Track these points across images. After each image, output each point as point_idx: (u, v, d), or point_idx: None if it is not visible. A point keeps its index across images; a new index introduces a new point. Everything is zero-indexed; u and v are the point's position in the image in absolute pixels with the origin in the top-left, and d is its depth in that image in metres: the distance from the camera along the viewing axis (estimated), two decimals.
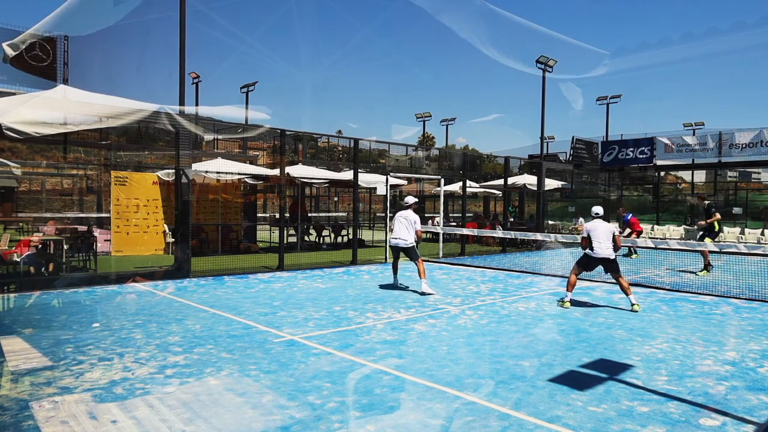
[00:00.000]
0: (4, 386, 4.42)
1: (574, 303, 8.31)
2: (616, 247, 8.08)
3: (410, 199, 9.76)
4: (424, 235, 18.82)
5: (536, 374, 4.85)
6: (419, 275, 9.12)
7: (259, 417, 3.84)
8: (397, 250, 9.53)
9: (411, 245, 9.28)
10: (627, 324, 6.96)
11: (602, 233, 8.02)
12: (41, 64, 13.37)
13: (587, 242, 8.12)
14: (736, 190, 32.21)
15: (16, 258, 9.48)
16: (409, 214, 9.43)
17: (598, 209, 8.30)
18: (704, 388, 4.56)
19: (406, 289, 9.53)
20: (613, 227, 8.16)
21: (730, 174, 35.31)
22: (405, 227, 9.33)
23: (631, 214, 15.57)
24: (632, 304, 7.84)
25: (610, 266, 8.02)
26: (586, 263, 8.17)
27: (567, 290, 8.23)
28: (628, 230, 15.23)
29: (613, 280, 8.17)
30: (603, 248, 7.96)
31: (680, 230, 23.39)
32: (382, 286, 9.86)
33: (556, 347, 5.80)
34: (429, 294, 8.96)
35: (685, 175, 37.70)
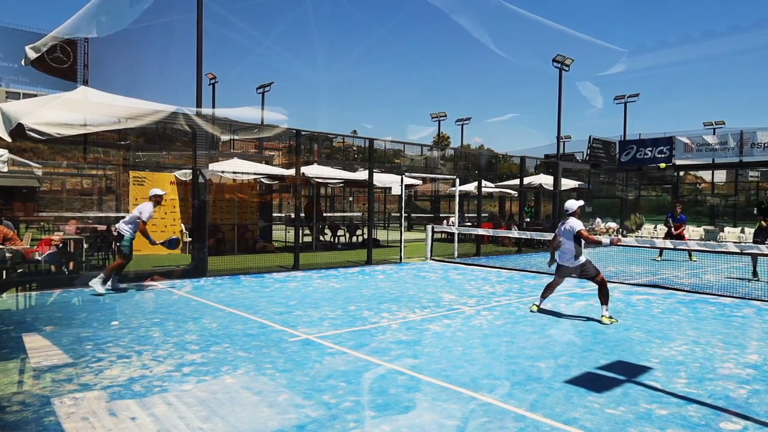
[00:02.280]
0: (26, 382, 4.51)
1: (591, 305, 8.21)
2: (585, 244, 7.11)
3: (152, 191, 9.07)
4: (439, 235, 18.74)
5: (553, 375, 4.81)
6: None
7: (275, 415, 3.86)
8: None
9: (119, 235, 8.72)
10: (645, 326, 6.87)
11: (564, 235, 7.10)
12: (62, 66, 13.61)
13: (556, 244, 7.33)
14: (758, 190, 31.61)
15: (37, 257, 9.66)
16: (143, 204, 8.85)
17: (569, 204, 7.24)
18: (725, 391, 4.49)
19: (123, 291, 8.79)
20: (576, 224, 7.03)
21: (751, 174, 34.59)
22: (128, 216, 8.87)
23: (683, 218, 15.08)
24: (602, 316, 6.96)
25: (584, 272, 7.07)
26: (559, 271, 7.37)
27: (541, 296, 7.52)
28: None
29: (635, 281, 8.00)
30: (563, 255, 7.16)
31: (700, 231, 23.01)
32: (392, 287, 9.86)
33: (573, 348, 5.75)
34: (98, 292, 8.28)
35: (705, 174, 37.10)
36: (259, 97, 33.21)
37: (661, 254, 15.53)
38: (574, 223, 7.05)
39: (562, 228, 7.18)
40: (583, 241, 7.08)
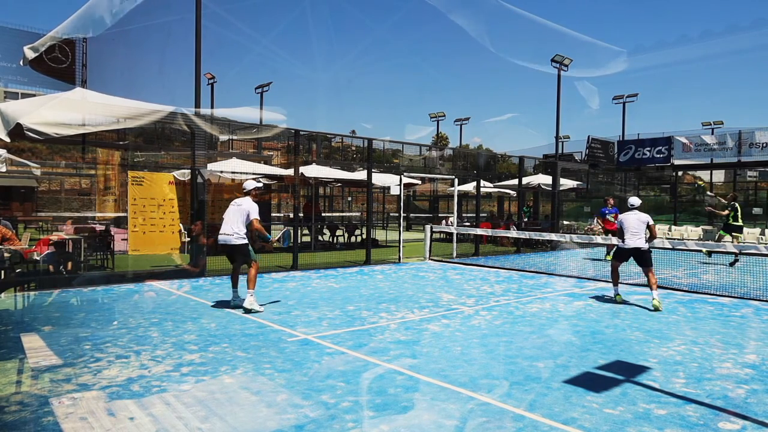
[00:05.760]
0: (25, 382, 4.50)
1: (590, 305, 8.23)
2: (651, 237, 8.23)
3: (249, 184, 7.66)
4: (437, 235, 18.65)
5: (551, 375, 4.81)
6: (247, 283, 7.27)
7: (274, 415, 3.86)
8: (227, 251, 7.46)
9: (242, 242, 7.31)
10: (644, 326, 6.88)
11: (633, 224, 8.13)
12: (60, 65, 13.59)
13: (620, 234, 8.34)
14: (756, 190, 31.65)
15: (35, 257, 9.64)
16: (245, 201, 7.47)
17: (633, 200, 8.41)
18: (723, 391, 4.49)
19: (242, 309, 7.31)
20: (646, 217, 8.16)
21: (750, 174, 34.66)
22: (236, 218, 7.32)
23: (617, 210, 13.86)
24: (653, 299, 7.81)
25: (641, 257, 8.11)
26: (620, 255, 8.40)
27: (613, 285, 8.51)
28: (598, 225, 14.58)
29: (634, 281, 8.08)
30: (633, 239, 8.09)
31: (698, 231, 23.04)
32: (391, 287, 9.86)
33: (572, 348, 5.75)
34: (255, 311, 7.15)
35: (704, 174, 37.12)
36: (257, 97, 33.28)
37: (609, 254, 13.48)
38: (645, 217, 8.19)
39: (630, 219, 8.14)
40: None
